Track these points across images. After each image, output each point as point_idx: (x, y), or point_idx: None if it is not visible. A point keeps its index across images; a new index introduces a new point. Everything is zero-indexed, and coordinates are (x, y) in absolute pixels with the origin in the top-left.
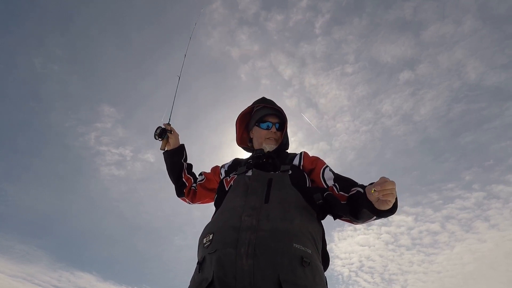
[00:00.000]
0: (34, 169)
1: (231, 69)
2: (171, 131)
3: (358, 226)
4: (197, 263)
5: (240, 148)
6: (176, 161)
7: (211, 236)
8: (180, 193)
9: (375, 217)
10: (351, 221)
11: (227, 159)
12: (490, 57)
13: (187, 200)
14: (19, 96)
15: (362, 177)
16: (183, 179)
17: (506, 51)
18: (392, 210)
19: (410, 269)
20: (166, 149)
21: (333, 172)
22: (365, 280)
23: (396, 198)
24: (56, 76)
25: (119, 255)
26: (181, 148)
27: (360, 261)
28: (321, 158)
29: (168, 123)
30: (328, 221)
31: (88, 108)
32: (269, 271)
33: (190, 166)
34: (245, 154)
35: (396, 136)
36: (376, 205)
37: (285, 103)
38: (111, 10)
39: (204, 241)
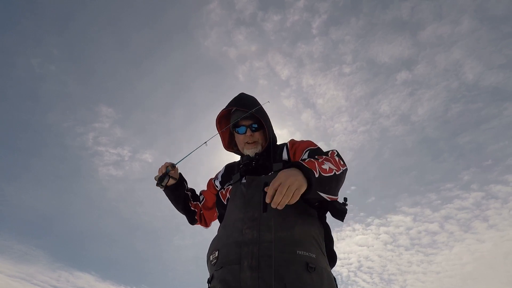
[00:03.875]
0: (32, 169)
1: (228, 70)
2: (172, 167)
3: (357, 226)
4: (207, 281)
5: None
6: (180, 193)
7: (216, 254)
8: (192, 221)
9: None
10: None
11: (225, 159)
12: (487, 57)
13: (202, 225)
14: (17, 96)
15: (360, 178)
16: (192, 208)
17: (504, 51)
18: (311, 189)
19: (409, 269)
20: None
21: (311, 157)
22: (364, 280)
23: (309, 172)
24: (54, 76)
25: (118, 255)
26: (181, 179)
27: (359, 261)
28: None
29: (174, 165)
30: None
31: (86, 108)
32: (274, 282)
33: (193, 192)
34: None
35: (394, 137)
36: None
37: (283, 104)
38: (109, 10)
39: (211, 258)
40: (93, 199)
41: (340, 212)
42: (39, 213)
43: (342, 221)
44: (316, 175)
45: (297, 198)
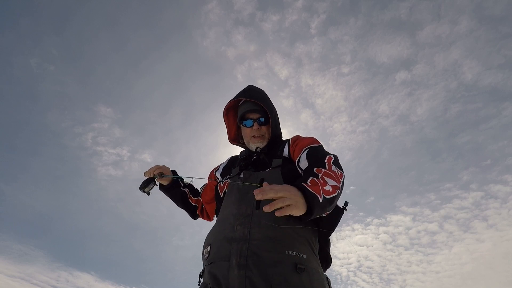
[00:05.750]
0: (31, 169)
1: (227, 70)
2: (160, 176)
3: (356, 226)
4: (199, 275)
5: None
6: (176, 192)
7: (209, 248)
8: (194, 216)
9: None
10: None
11: (224, 158)
12: (486, 57)
13: (204, 219)
14: (15, 96)
15: (359, 178)
16: (192, 203)
17: (502, 51)
18: (312, 214)
19: (408, 269)
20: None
21: (309, 158)
22: (363, 280)
23: (313, 198)
24: (52, 76)
25: (117, 255)
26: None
27: (359, 261)
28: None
29: (163, 175)
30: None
31: (85, 108)
32: (260, 282)
33: (192, 188)
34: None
35: (393, 137)
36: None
37: (282, 104)
38: (107, 11)
39: (204, 253)
40: (92, 199)
41: (327, 226)
42: (38, 213)
43: (327, 237)
44: (320, 200)
45: (285, 213)
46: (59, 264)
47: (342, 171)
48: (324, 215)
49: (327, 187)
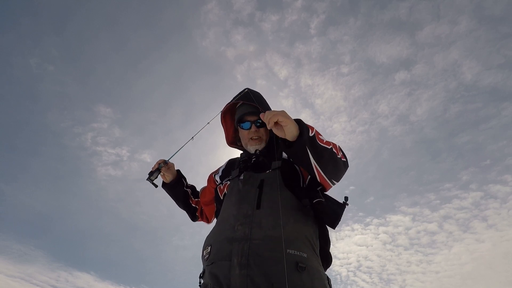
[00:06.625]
0: (31, 169)
1: (226, 70)
2: (165, 164)
3: (356, 226)
4: (199, 276)
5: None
6: (179, 191)
7: (209, 249)
8: (194, 217)
9: (301, 149)
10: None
11: (223, 159)
12: (486, 57)
13: (203, 221)
14: (15, 96)
15: (359, 178)
16: (193, 205)
17: (502, 51)
18: (302, 137)
19: (408, 269)
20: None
21: None
22: (363, 280)
23: (301, 124)
24: (52, 77)
25: (117, 255)
26: (179, 176)
27: (358, 261)
28: None
29: (166, 161)
30: None
31: (85, 109)
32: (262, 281)
33: (193, 189)
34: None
35: (393, 137)
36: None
37: (281, 104)
38: (107, 11)
39: (204, 254)
40: (91, 199)
41: (333, 217)
42: (38, 213)
43: (334, 228)
44: (311, 134)
45: (274, 120)
46: (59, 264)
47: (346, 158)
48: (314, 169)
49: (322, 138)
